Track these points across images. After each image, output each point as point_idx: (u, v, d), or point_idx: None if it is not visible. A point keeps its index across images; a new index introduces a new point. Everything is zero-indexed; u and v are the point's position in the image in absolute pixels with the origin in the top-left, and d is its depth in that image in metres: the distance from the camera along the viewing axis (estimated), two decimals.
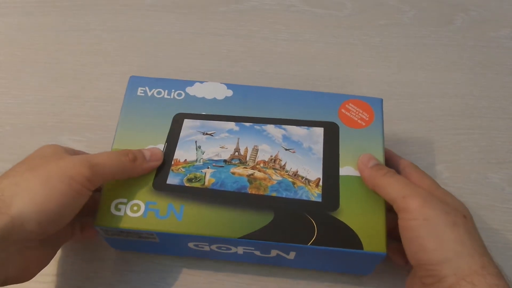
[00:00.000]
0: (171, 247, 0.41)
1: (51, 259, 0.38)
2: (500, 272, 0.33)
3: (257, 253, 0.39)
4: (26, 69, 0.55)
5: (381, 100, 0.43)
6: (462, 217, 0.35)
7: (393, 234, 0.37)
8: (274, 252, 0.39)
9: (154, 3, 0.61)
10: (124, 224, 0.37)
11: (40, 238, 0.35)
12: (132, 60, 0.56)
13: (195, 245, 0.39)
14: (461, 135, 0.53)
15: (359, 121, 0.42)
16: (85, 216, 0.39)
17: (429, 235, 0.34)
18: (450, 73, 0.57)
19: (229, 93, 0.44)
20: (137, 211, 0.38)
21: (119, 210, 0.38)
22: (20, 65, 0.55)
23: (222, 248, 0.39)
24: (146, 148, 0.40)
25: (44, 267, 0.37)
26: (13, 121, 0.51)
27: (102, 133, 0.51)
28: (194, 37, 0.59)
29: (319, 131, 0.42)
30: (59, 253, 0.43)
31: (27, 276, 0.36)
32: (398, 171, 0.40)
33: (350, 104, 0.43)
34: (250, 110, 0.43)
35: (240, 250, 0.39)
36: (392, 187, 0.36)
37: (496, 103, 0.55)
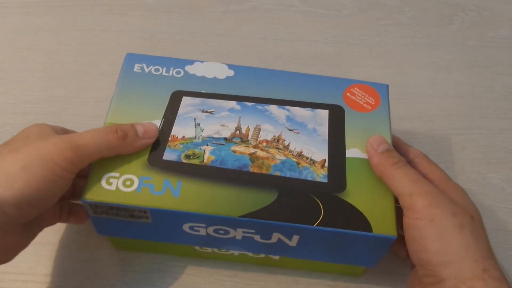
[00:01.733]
0: (164, 231, 0.38)
1: (31, 241, 0.36)
2: (503, 275, 0.32)
3: (257, 237, 0.37)
4: (26, 69, 0.55)
5: (387, 86, 0.42)
6: (470, 218, 0.34)
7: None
8: (275, 237, 0.37)
9: (154, 3, 0.61)
10: (116, 199, 0.34)
11: (22, 222, 0.34)
12: None
13: (190, 228, 0.37)
14: (461, 135, 0.53)
15: (364, 105, 0.41)
16: (76, 198, 0.37)
17: (434, 237, 0.33)
18: (450, 73, 0.57)
19: (231, 73, 0.42)
20: (130, 185, 0.35)
21: (110, 184, 0.35)
22: (20, 65, 0.55)
23: (220, 231, 0.37)
24: (141, 123, 0.38)
25: (23, 249, 0.36)
26: (13, 121, 0.51)
27: None
28: (194, 37, 0.59)
29: (324, 113, 0.41)
30: (59, 253, 0.43)
31: (6, 259, 0.35)
32: (407, 161, 0.39)
33: (355, 88, 0.42)
34: (252, 91, 0.41)
35: (239, 234, 0.37)
36: (400, 180, 0.35)
37: (496, 103, 0.55)
